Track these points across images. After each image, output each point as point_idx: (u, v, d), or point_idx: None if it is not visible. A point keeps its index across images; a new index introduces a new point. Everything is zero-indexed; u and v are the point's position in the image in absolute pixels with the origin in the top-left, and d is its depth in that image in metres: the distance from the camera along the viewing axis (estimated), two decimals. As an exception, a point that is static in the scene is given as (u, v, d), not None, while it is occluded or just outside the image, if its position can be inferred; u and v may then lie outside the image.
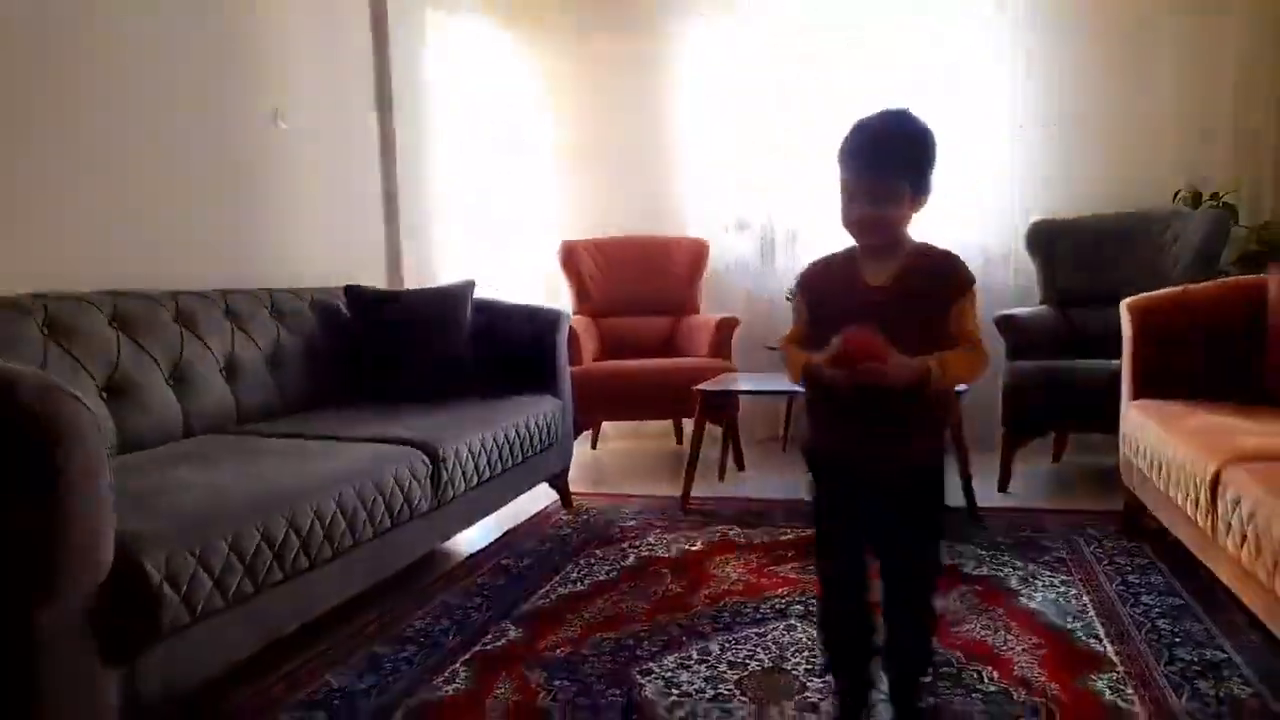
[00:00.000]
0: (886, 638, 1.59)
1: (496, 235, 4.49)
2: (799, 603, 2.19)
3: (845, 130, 1.54)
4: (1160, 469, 2.24)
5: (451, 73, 4.14)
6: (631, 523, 3.01)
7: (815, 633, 1.79)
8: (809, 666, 1.86)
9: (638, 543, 2.77)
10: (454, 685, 1.83)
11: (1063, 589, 2.26)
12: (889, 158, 1.49)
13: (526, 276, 4.67)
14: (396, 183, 3.68)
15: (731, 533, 2.85)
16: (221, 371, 2.55)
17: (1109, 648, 1.91)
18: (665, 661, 1.92)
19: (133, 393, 2.24)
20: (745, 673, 1.85)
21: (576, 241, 4.53)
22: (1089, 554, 2.52)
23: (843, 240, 1.58)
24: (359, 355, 3.00)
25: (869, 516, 1.57)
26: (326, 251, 3.32)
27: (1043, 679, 1.77)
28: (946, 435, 1.56)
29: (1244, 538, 1.69)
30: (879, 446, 1.51)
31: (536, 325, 3.15)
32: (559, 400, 3.12)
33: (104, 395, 2.17)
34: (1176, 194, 3.88)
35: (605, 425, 4.57)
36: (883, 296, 1.50)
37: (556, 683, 1.83)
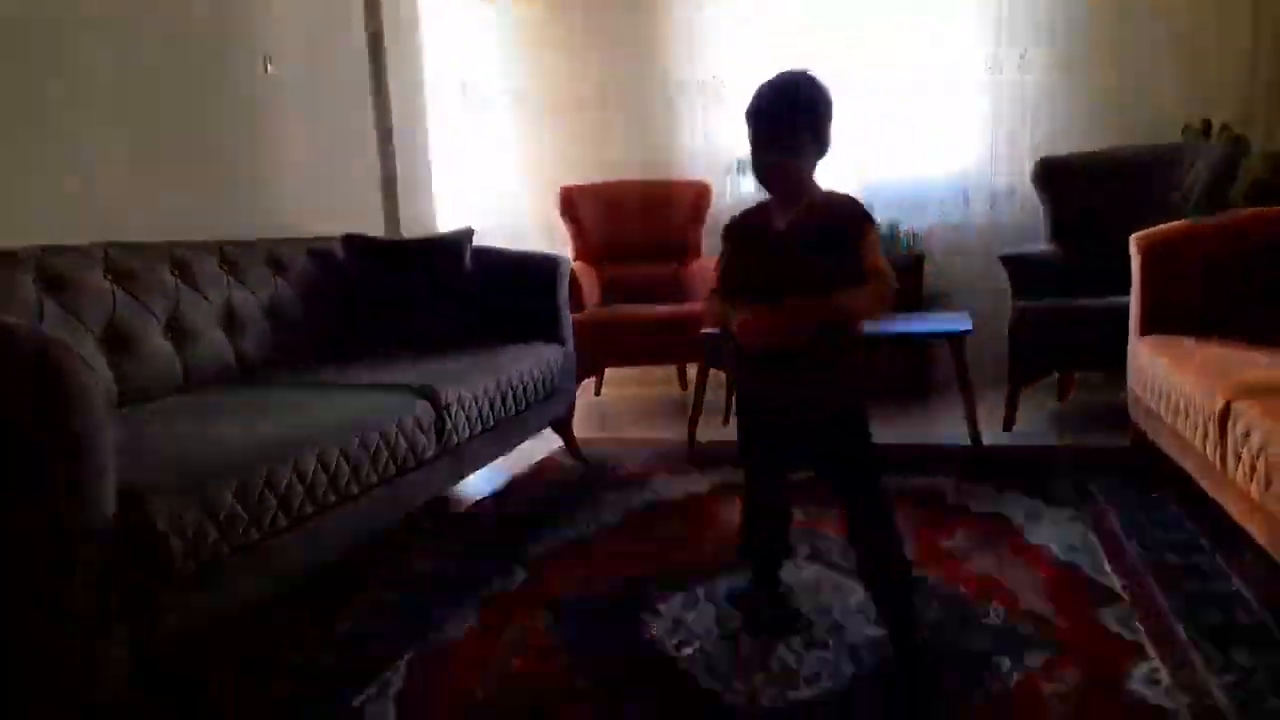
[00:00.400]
0: (856, 560, 1.73)
1: (494, 182, 4.43)
2: (803, 542, 2.19)
3: (755, 90, 1.68)
4: (1168, 404, 2.22)
5: (443, 15, 4.04)
6: (637, 467, 3.01)
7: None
8: (816, 603, 1.87)
9: (643, 486, 2.77)
10: (463, 628, 1.85)
11: (1069, 524, 2.26)
12: (789, 112, 1.63)
13: (526, 224, 4.62)
14: (391, 129, 3.61)
15: (737, 476, 2.84)
16: (220, 323, 2.53)
17: (1116, 581, 1.91)
18: (672, 602, 1.92)
19: (130, 346, 2.22)
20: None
21: (576, 186, 4.47)
22: (1096, 490, 2.52)
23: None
24: (358, 305, 2.98)
25: (795, 452, 1.75)
26: (322, 201, 3.28)
27: (1050, 613, 1.78)
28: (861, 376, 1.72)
29: (1253, 470, 1.68)
30: (794, 391, 1.65)
31: (537, 272, 3.12)
32: (561, 346, 3.10)
33: (101, 349, 2.16)
34: (1186, 126, 3.80)
35: (608, 371, 4.56)
36: (788, 240, 1.65)
37: (564, 624, 1.84)
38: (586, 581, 2.06)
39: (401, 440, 2.11)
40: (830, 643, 1.71)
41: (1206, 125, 3.74)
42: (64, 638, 1.35)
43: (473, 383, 2.47)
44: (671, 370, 4.58)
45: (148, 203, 2.56)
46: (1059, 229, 3.71)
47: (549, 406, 3.00)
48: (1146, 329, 2.60)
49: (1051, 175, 3.74)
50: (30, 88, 2.24)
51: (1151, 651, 1.60)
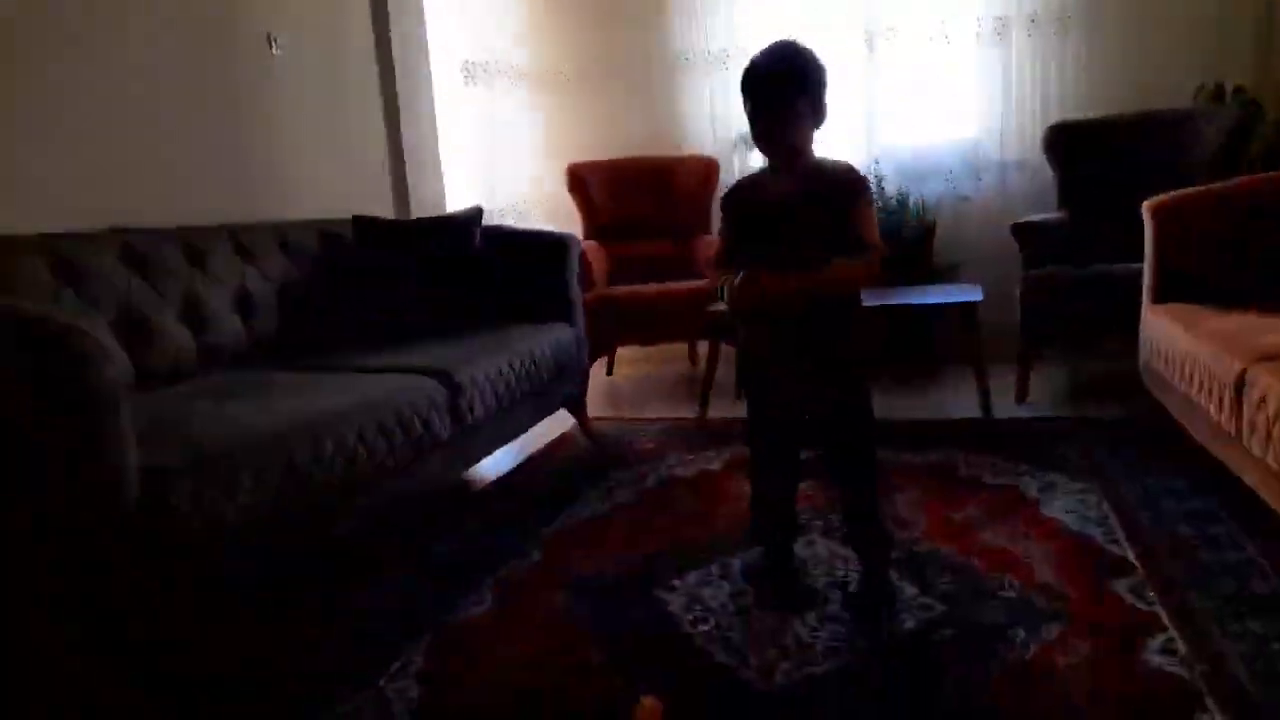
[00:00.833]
0: (842, 522, 1.88)
1: (503, 161, 4.41)
2: (819, 518, 2.20)
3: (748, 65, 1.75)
4: (1182, 371, 2.21)
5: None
6: (650, 445, 3.02)
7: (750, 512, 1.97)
8: (830, 579, 1.88)
9: (657, 464, 2.79)
10: (481, 607, 1.87)
11: (1082, 495, 2.26)
12: (784, 81, 1.67)
13: (535, 202, 4.61)
14: (399, 109, 3.59)
15: (748, 452, 2.85)
16: (234, 306, 2.55)
17: (1129, 551, 1.91)
18: (688, 579, 1.94)
19: (146, 331, 2.24)
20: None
21: (584, 163, 4.46)
22: (1108, 461, 2.52)
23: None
24: (369, 285, 2.98)
25: (802, 430, 1.79)
26: (331, 183, 3.27)
27: (1063, 584, 1.78)
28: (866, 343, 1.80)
29: (1269, 438, 1.67)
30: (797, 355, 1.71)
31: (547, 251, 3.12)
32: (572, 326, 3.10)
33: (117, 333, 2.17)
34: (1198, 90, 3.76)
35: (620, 350, 4.57)
36: (785, 207, 1.68)
37: (581, 602, 1.86)
38: (602, 559, 2.08)
39: (417, 423, 2.12)
40: (845, 618, 1.72)
41: (1219, 89, 3.70)
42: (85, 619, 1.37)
43: (486, 364, 2.48)
44: (682, 348, 4.59)
45: (156, 187, 2.56)
46: (1070, 196, 3.68)
47: (562, 386, 3.01)
48: (1159, 297, 2.59)
49: (1062, 141, 3.70)
50: (37, 72, 2.24)
51: (1166, 622, 1.60)
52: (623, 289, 3.95)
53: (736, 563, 2.00)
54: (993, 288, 3.36)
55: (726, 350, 3.51)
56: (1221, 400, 1.91)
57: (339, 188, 3.31)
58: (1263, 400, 1.70)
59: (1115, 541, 1.97)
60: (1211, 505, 2.14)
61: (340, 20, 3.38)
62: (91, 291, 2.14)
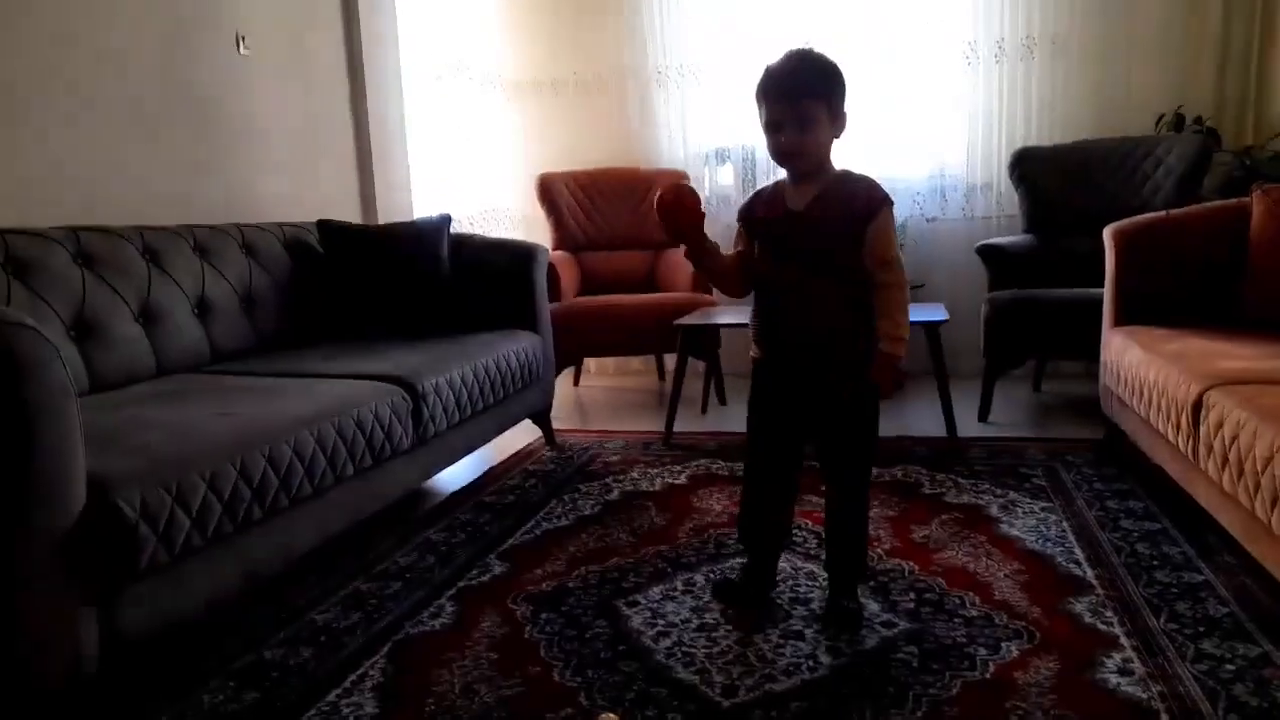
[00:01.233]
0: (825, 526, 1.81)
1: (472, 169, 4.38)
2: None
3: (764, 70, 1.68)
4: (1141, 394, 2.24)
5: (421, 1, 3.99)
6: (615, 458, 3.00)
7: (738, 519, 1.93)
8: (793, 594, 1.88)
9: (621, 477, 2.77)
10: (439, 620, 1.83)
11: (1043, 515, 2.28)
12: (803, 87, 1.61)
13: (503, 212, 4.58)
14: (367, 113, 3.56)
15: (714, 466, 2.85)
16: (193, 310, 2.49)
17: (1088, 572, 1.93)
18: (651, 593, 1.92)
19: (101, 332, 2.18)
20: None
21: (554, 174, 4.44)
22: (1069, 481, 2.55)
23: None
24: (334, 292, 2.95)
25: (807, 422, 1.75)
26: (296, 186, 3.23)
27: (1024, 603, 1.79)
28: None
29: (1225, 461, 1.70)
30: (814, 355, 1.69)
31: (515, 260, 3.09)
32: (539, 336, 3.08)
33: (71, 335, 2.12)
34: (1160, 119, 3.84)
35: (587, 362, 4.55)
36: (802, 219, 1.65)
37: (542, 616, 1.84)
38: (564, 573, 2.06)
39: (378, 430, 2.09)
40: (807, 634, 1.71)
41: (1180, 118, 3.79)
42: (33, 620, 1.33)
43: (450, 372, 2.45)
44: (650, 362, 4.58)
45: (116, 186, 2.50)
46: (1034, 220, 3.75)
47: (527, 396, 2.99)
48: (1119, 320, 2.63)
49: (1027, 166, 3.77)
50: (-5, 68, 2.19)
51: (1124, 642, 1.62)
52: (590, 300, 3.94)
53: (699, 578, 1.98)
54: (959, 308, 3.39)
55: (694, 364, 3.51)
56: (1179, 422, 1.94)
57: (305, 191, 3.26)
58: (1220, 424, 1.73)
59: (1075, 561, 1.99)
60: (1169, 526, 2.16)
61: (310, 21, 3.34)
62: (45, 291, 2.08)
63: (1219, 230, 2.54)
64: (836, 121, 1.64)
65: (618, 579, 2.01)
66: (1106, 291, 2.70)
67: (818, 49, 1.66)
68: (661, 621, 1.79)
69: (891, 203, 1.65)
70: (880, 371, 1.64)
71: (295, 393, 2.05)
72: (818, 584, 1.92)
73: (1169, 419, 2.02)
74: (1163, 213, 2.71)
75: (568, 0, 4.57)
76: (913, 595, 1.86)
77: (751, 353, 1.80)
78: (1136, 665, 1.53)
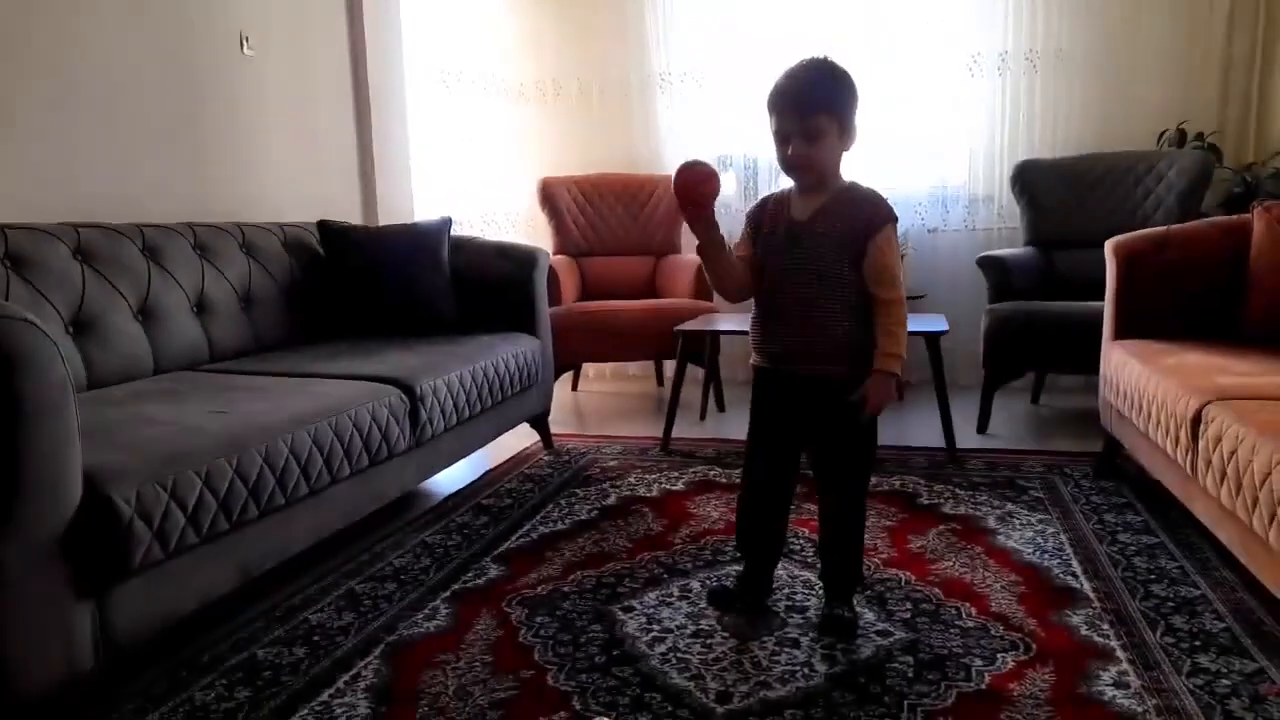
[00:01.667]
0: (819, 535, 1.81)
1: (474, 172, 4.39)
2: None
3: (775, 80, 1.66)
4: (1140, 408, 2.24)
5: (424, 1, 4.00)
6: (613, 463, 3.00)
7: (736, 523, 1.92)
8: (790, 602, 1.87)
9: (619, 483, 2.76)
10: (434, 622, 1.83)
11: (1040, 527, 2.28)
12: (814, 99, 1.60)
13: (505, 215, 4.58)
14: (370, 115, 3.56)
15: (712, 473, 2.85)
16: (192, 308, 2.49)
17: (1085, 584, 1.93)
18: (646, 598, 1.92)
19: (100, 329, 2.18)
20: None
21: (556, 178, 4.45)
22: (1066, 494, 2.54)
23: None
24: (334, 292, 2.95)
25: (806, 425, 1.74)
26: (298, 186, 3.23)
27: (1020, 615, 1.79)
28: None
29: (1223, 476, 1.70)
30: (813, 364, 1.68)
31: (515, 264, 3.09)
32: (538, 340, 3.08)
33: (70, 331, 2.11)
34: (1162, 135, 3.85)
35: (586, 367, 4.55)
36: (805, 229, 1.65)
37: (538, 619, 1.83)
38: (560, 577, 2.05)
39: (375, 431, 2.08)
40: (802, 642, 1.71)
41: (1182, 134, 3.79)
42: (26, 615, 1.32)
43: (448, 374, 2.45)
44: (649, 367, 4.58)
45: (118, 183, 2.50)
46: (1036, 233, 3.75)
47: (525, 400, 2.99)
48: (1120, 334, 2.63)
49: (1029, 180, 3.78)
50: None
51: (1120, 655, 1.61)
52: (590, 305, 3.94)
53: (695, 584, 1.98)
54: (960, 320, 3.39)
55: (693, 371, 3.51)
56: (1178, 436, 1.94)
57: (306, 191, 3.26)
58: (1218, 439, 1.73)
59: (1072, 573, 1.99)
60: (1166, 540, 2.16)
61: (314, 23, 3.34)
62: (45, 286, 2.08)
63: (1220, 246, 2.54)
64: (846, 135, 1.64)
65: (613, 584, 2.00)
66: (1107, 305, 2.70)
67: (832, 58, 1.66)
68: (657, 627, 1.78)
69: (896, 219, 1.65)
70: (875, 388, 1.64)
71: (293, 392, 2.05)
72: (814, 592, 1.91)
73: (1168, 433, 2.02)
74: (1164, 228, 2.71)
75: (571, 6, 4.59)
76: (909, 605, 1.85)
77: (752, 360, 1.79)
78: (1132, 678, 1.53)
